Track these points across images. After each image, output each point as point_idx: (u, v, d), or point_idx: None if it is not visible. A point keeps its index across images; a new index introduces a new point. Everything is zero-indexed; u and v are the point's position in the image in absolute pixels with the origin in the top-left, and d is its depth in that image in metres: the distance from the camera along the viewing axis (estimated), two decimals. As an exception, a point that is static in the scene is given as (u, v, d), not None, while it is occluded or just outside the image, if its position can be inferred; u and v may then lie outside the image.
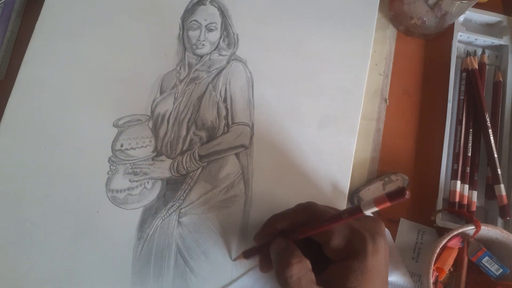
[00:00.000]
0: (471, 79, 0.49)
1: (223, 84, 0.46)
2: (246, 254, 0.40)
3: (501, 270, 0.42)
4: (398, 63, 0.51)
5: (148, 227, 0.42)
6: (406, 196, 0.27)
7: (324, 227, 0.33)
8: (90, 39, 0.47)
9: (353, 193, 0.45)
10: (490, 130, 0.47)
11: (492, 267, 0.42)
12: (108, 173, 0.43)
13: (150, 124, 0.45)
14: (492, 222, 0.46)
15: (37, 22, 0.46)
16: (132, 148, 0.44)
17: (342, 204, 0.44)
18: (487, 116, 0.47)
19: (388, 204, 0.29)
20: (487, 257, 0.42)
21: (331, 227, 0.33)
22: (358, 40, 0.48)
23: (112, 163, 0.43)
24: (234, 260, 0.41)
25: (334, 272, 0.33)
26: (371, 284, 0.32)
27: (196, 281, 0.41)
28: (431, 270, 0.40)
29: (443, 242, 0.41)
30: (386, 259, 0.34)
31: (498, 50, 0.52)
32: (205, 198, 0.43)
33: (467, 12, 0.51)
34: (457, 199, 0.46)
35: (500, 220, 0.45)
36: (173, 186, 0.43)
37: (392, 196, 0.28)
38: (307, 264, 0.33)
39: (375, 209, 0.29)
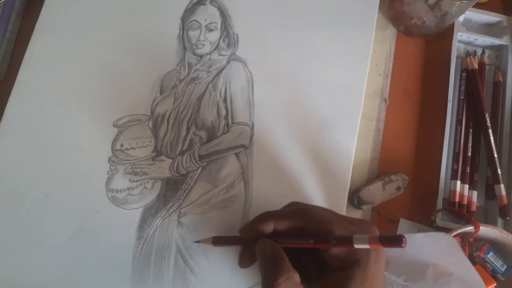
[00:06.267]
0: (471, 79, 0.49)
1: (223, 84, 0.46)
2: (216, 241, 0.37)
3: (505, 266, 0.42)
4: (398, 63, 0.51)
5: (148, 227, 0.42)
6: (403, 245, 0.26)
7: (309, 246, 0.32)
8: (90, 39, 0.47)
9: (353, 193, 0.45)
10: (490, 130, 0.47)
11: (497, 262, 0.42)
12: (108, 173, 0.43)
13: (150, 124, 0.45)
14: (492, 222, 0.46)
15: (37, 22, 0.46)
16: (132, 148, 0.44)
17: (342, 204, 0.44)
18: (487, 116, 0.47)
19: (381, 246, 0.28)
20: (491, 253, 0.42)
21: (318, 245, 0.31)
22: (358, 40, 0.48)
23: (112, 163, 0.43)
24: (199, 242, 0.38)
25: (333, 280, 0.32)
26: None
27: (196, 281, 0.41)
28: (431, 270, 0.40)
29: (443, 242, 0.41)
30: (384, 267, 0.33)
31: (498, 50, 0.52)
32: (205, 198, 0.43)
33: (467, 12, 0.51)
34: (457, 199, 0.46)
35: (500, 220, 0.45)
36: (173, 186, 0.43)
37: (387, 242, 0.27)
38: (296, 278, 0.31)
39: (367, 246, 0.28)
